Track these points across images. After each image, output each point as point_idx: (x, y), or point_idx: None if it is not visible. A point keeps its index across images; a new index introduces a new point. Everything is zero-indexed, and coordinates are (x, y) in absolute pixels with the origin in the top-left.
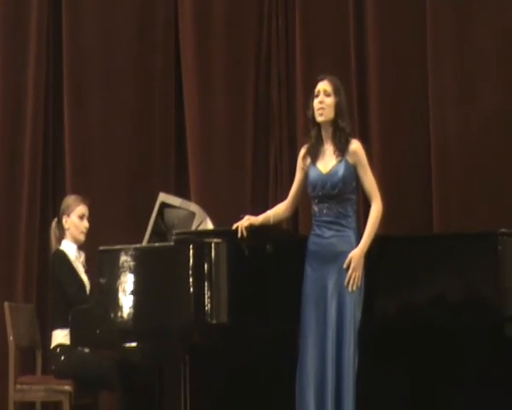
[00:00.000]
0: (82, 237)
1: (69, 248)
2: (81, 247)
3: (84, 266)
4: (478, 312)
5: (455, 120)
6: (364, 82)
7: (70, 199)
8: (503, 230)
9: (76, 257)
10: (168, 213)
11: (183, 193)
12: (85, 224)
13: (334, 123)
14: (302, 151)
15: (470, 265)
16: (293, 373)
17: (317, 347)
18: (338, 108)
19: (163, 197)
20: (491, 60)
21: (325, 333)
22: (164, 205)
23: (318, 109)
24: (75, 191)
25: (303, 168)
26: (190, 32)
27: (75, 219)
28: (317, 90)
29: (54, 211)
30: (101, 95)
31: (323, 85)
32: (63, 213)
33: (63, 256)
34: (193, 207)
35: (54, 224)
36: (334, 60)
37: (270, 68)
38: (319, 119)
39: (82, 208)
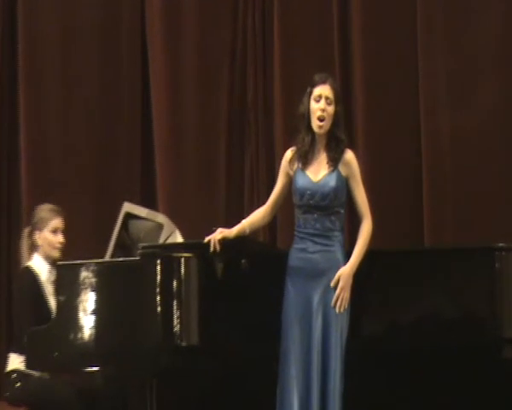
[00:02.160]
0: (56, 254)
1: (40, 266)
2: (54, 263)
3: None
4: (473, 333)
5: (448, 123)
6: (349, 82)
7: (43, 211)
8: (500, 244)
9: (47, 278)
10: (133, 224)
11: (149, 202)
12: (60, 238)
13: (330, 132)
14: (289, 153)
15: (465, 282)
16: (273, 400)
17: (301, 371)
18: (336, 117)
19: (128, 207)
20: (487, 57)
21: (309, 357)
22: (128, 216)
23: (319, 117)
24: (31, 200)
25: (288, 172)
26: (158, 26)
27: (48, 235)
28: (317, 93)
29: (8, 224)
30: (59, 94)
31: (326, 91)
32: (35, 228)
33: (29, 279)
34: (160, 218)
35: (26, 233)
36: (316, 57)
37: (246, 65)
38: (318, 131)
39: (56, 222)
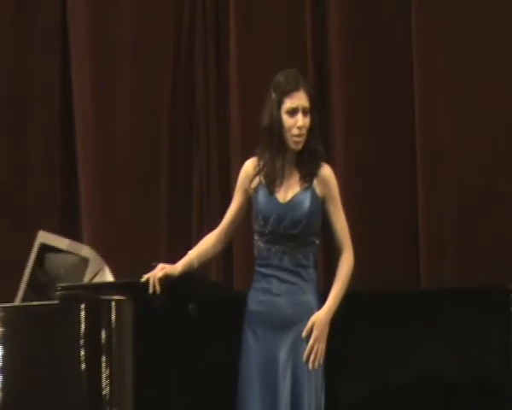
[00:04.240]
0: None
1: None
2: None
3: None
4: (484, 393)
5: (447, 131)
6: (324, 81)
7: None
8: None
9: None
10: (51, 258)
11: (71, 231)
12: None
13: (305, 143)
14: (249, 166)
15: (473, 331)
16: None
17: None
18: (312, 126)
19: (43, 237)
20: (493, 52)
21: None
22: (45, 248)
23: (296, 136)
24: None
25: (246, 190)
26: (82, 8)
27: None
28: (291, 106)
29: None
30: None
31: (302, 101)
32: None
33: None
34: (85, 250)
35: None
36: (282, 46)
37: (194, 57)
38: (295, 147)
39: None
